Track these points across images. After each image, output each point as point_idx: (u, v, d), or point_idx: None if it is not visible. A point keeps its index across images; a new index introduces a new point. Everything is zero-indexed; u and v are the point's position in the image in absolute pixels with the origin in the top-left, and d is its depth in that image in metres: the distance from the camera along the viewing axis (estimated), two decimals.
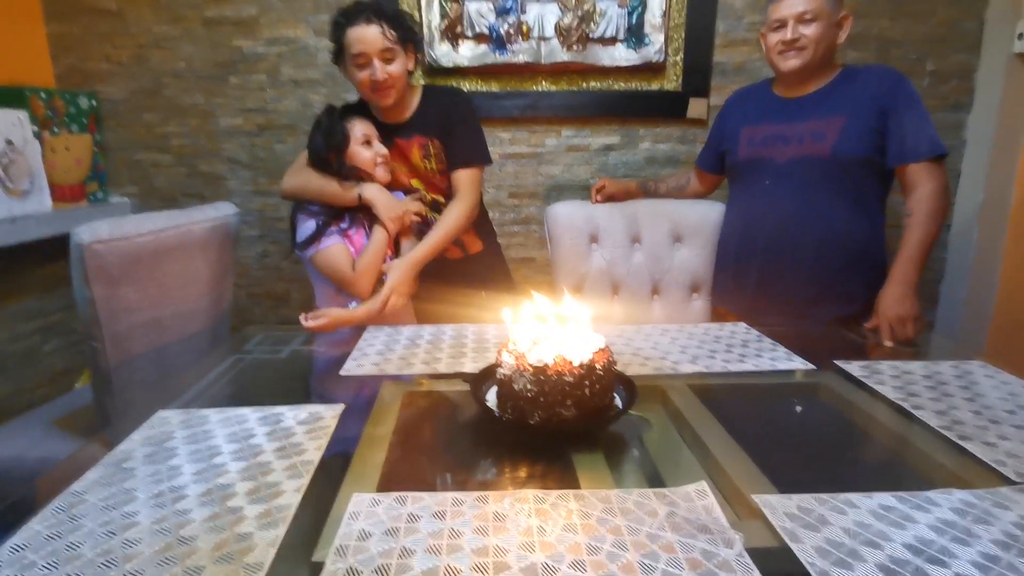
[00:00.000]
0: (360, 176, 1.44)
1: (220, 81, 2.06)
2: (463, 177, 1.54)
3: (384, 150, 1.46)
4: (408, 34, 1.45)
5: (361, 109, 1.55)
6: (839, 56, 1.46)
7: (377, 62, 1.40)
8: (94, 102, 2.07)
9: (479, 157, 1.57)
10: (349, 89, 2.05)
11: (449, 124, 1.52)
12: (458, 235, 1.56)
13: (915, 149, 1.33)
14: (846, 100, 1.40)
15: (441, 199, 1.60)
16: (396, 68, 1.43)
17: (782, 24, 1.40)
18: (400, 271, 1.41)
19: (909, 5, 1.95)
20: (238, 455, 0.77)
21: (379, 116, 1.53)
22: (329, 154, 1.41)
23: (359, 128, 1.43)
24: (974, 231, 2.02)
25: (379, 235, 1.41)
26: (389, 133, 1.51)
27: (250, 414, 0.90)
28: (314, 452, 0.78)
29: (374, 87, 1.42)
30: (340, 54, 1.45)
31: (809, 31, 1.37)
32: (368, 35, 1.38)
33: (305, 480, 0.71)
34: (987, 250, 1.99)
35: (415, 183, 1.58)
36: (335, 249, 1.38)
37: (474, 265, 1.68)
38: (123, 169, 2.15)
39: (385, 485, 0.72)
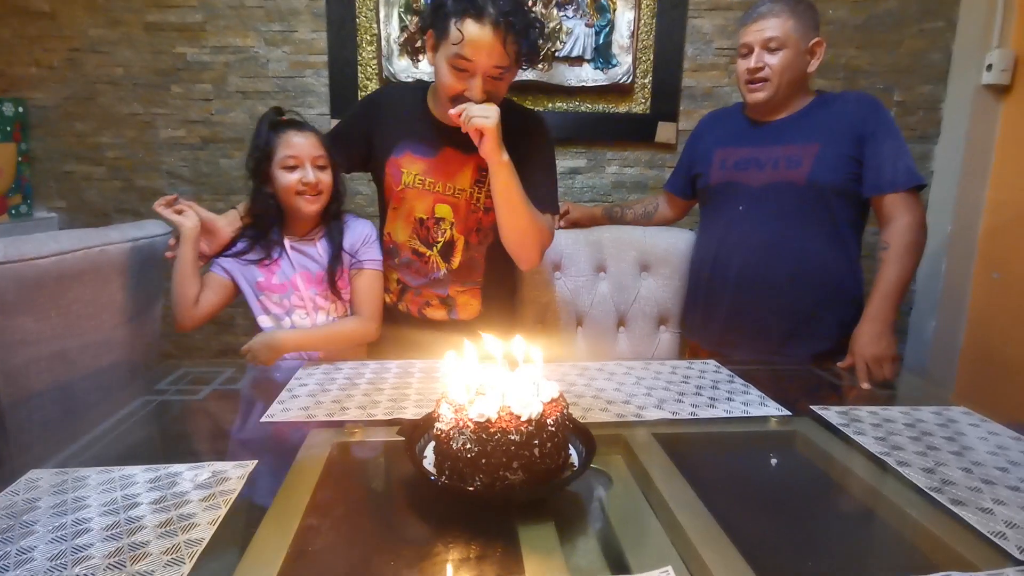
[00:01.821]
0: (276, 204, 1.28)
1: (161, 90, 1.92)
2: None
3: (320, 179, 1.26)
4: (532, 51, 1.17)
5: (413, 94, 1.33)
6: (812, 82, 1.41)
7: (483, 77, 1.13)
8: (21, 109, 1.90)
9: (552, 207, 1.32)
10: (301, 103, 1.94)
11: (525, 158, 1.23)
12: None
13: (892, 179, 1.28)
14: (821, 126, 1.34)
15: (461, 238, 1.34)
16: (501, 89, 1.18)
17: (749, 51, 1.35)
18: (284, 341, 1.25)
19: (877, 35, 1.94)
20: (109, 533, 0.63)
21: (436, 113, 1.29)
22: (255, 169, 1.26)
23: (289, 146, 1.25)
24: (942, 263, 1.99)
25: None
26: (443, 138, 1.27)
27: (140, 475, 0.76)
28: (206, 528, 0.64)
29: (462, 102, 1.15)
30: (434, 35, 1.16)
31: (774, 60, 1.32)
32: (489, 42, 1.09)
33: (185, 569, 0.58)
34: (955, 282, 1.97)
35: (442, 210, 1.31)
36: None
37: (463, 335, 1.37)
38: (51, 181, 1.97)
39: (287, 573, 0.59)
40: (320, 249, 1.33)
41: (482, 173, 1.27)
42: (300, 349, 1.29)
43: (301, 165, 1.25)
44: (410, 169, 1.31)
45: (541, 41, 1.17)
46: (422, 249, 1.35)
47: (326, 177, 1.29)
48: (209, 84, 1.93)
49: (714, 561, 0.61)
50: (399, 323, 1.41)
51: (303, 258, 1.33)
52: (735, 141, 1.46)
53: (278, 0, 1.88)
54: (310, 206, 1.28)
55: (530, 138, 1.28)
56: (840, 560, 0.65)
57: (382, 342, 1.37)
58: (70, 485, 0.73)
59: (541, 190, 1.28)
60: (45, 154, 1.96)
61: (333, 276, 1.31)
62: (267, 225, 1.30)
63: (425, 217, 1.32)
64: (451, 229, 1.33)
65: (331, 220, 1.34)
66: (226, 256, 1.30)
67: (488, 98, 1.15)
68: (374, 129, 1.34)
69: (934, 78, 1.96)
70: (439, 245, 1.33)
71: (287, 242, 1.32)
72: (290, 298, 1.31)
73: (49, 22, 1.88)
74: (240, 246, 1.30)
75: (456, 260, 1.35)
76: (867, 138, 1.30)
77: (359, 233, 1.36)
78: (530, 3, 1.87)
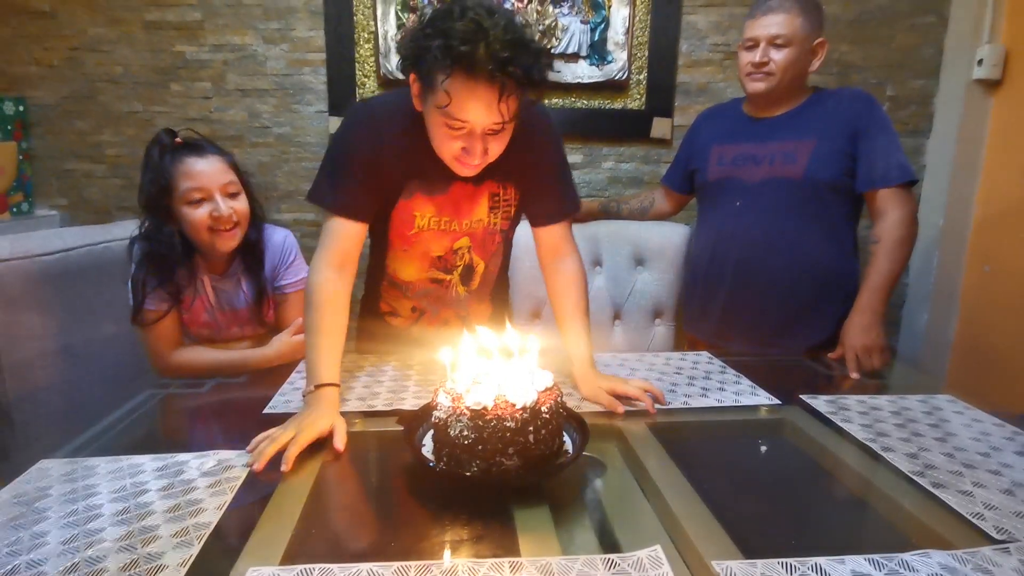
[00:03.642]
0: (182, 242, 1.11)
1: (160, 88, 1.94)
2: (563, 229, 1.16)
3: (235, 209, 1.10)
4: (539, 88, 0.95)
5: (408, 115, 1.03)
6: (807, 78, 1.43)
7: (478, 142, 0.95)
8: (21, 107, 1.92)
9: (576, 203, 1.21)
10: (300, 100, 1.96)
11: (538, 168, 1.12)
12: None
13: (885, 174, 1.30)
14: (817, 122, 1.36)
15: (481, 263, 1.23)
16: (499, 144, 0.99)
17: (755, 44, 1.36)
18: None
19: (869, 30, 1.95)
20: (120, 518, 0.66)
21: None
22: (154, 206, 1.10)
23: (191, 176, 1.08)
24: (934, 256, 2.01)
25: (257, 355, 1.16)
26: (451, 173, 1.05)
27: (147, 463, 0.78)
28: (213, 512, 0.67)
29: (461, 159, 0.99)
30: (420, 84, 0.96)
31: (779, 56, 1.34)
32: (484, 102, 0.90)
33: (194, 550, 0.60)
34: (947, 275, 1.99)
35: (461, 243, 1.18)
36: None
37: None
38: (52, 179, 1.99)
39: (292, 554, 0.61)
40: (244, 286, 1.20)
41: (495, 199, 1.15)
42: (218, 373, 1.14)
43: (209, 197, 1.09)
44: (423, 212, 1.13)
45: (548, 71, 0.96)
46: (440, 276, 1.22)
47: (241, 205, 1.13)
48: (208, 82, 1.94)
49: (701, 539, 0.64)
50: (410, 346, 1.28)
51: (226, 296, 1.20)
52: (732, 137, 1.48)
53: None
54: (228, 243, 1.12)
55: (545, 148, 1.14)
56: (823, 539, 0.68)
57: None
58: (80, 474, 0.76)
59: (567, 196, 1.19)
60: (46, 152, 1.97)
61: (260, 313, 1.21)
62: (172, 267, 1.13)
63: (444, 254, 1.19)
64: (469, 253, 1.21)
65: (251, 248, 1.19)
66: (148, 314, 1.12)
67: (491, 154, 1.00)
68: (381, 165, 1.08)
69: (926, 73, 1.98)
70: (459, 270, 1.22)
71: (206, 280, 1.18)
72: (221, 334, 1.22)
73: (49, 21, 1.90)
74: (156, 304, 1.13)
75: (476, 283, 1.25)
76: (861, 134, 1.32)
77: (276, 254, 1.23)
78: (526, 1, 1.89)
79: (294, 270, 1.23)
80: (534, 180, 1.14)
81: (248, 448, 0.82)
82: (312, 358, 0.96)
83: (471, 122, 0.93)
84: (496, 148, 0.99)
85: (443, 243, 1.16)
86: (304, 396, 0.94)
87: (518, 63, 0.88)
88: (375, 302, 1.30)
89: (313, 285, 1.01)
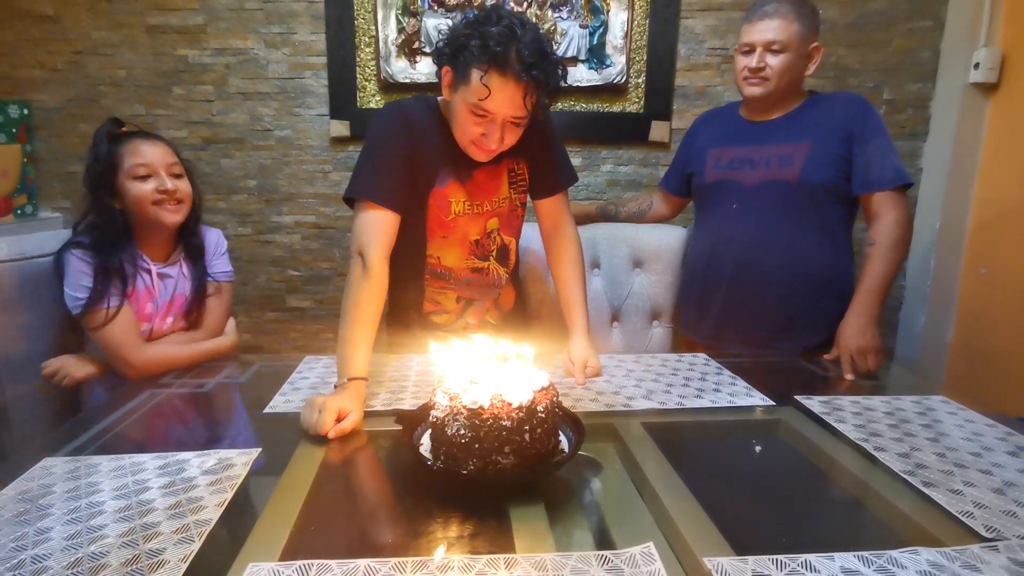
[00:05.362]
0: (124, 220, 1.18)
1: (163, 91, 1.95)
2: (562, 201, 1.29)
3: (178, 186, 1.18)
4: (554, 95, 1.12)
5: (432, 112, 1.19)
6: (803, 82, 1.44)
7: (497, 130, 1.08)
8: (25, 111, 1.94)
9: (573, 173, 1.33)
10: (300, 104, 1.98)
11: (540, 141, 1.24)
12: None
13: (880, 178, 1.31)
14: (812, 126, 1.37)
15: (513, 240, 1.33)
16: (514, 137, 1.13)
17: (751, 49, 1.37)
18: None
19: (866, 34, 1.97)
20: (122, 515, 0.67)
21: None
22: (98, 183, 1.17)
23: (138, 154, 1.16)
24: (931, 259, 2.02)
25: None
26: (469, 160, 1.19)
27: (149, 462, 0.79)
28: (214, 510, 0.68)
29: (479, 144, 1.12)
30: (453, 76, 1.09)
31: (775, 61, 1.35)
32: (510, 96, 1.03)
33: (195, 547, 0.61)
34: (944, 277, 2.00)
35: (492, 224, 1.28)
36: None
37: (507, 329, 1.31)
38: (55, 182, 2.01)
39: (291, 550, 0.62)
40: (185, 271, 1.27)
41: (512, 174, 1.27)
42: (188, 366, 1.20)
43: (155, 173, 1.17)
44: (457, 197, 1.22)
45: (563, 82, 1.10)
46: (480, 264, 1.30)
47: (184, 186, 1.21)
48: (210, 86, 1.96)
49: (694, 537, 0.65)
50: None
51: (169, 284, 1.25)
52: (729, 141, 1.49)
53: (277, 2, 1.92)
54: (172, 216, 1.19)
55: (544, 122, 1.23)
56: (814, 536, 0.69)
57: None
58: (83, 472, 0.77)
59: (564, 168, 1.31)
60: (50, 155, 1.99)
61: (201, 301, 1.26)
62: (112, 246, 1.18)
63: (480, 237, 1.28)
64: (499, 235, 1.30)
65: (190, 236, 1.27)
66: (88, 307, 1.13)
67: (506, 143, 1.13)
68: (415, 156, 1.17)
69: (923, 76, 1.99)
70: (493, 254, 1.30)
71: (153, 268, 1.23)
72: (155, 327, 1.23)
73: (53, 25, 1.91)
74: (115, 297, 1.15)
75: (512, 261, 1.36)
76: (856, 138, 1.33)
77: (212, 247, 1.31)
78: (525, 5, 1.90)
79: (224, 262, 1.34)
80: (538, 153, 1.26)
81: (311, 429, 0.88)
82: (346, 352, 1.00)
83: (496, 113, 1.06)
84: (511, 139, 1.13)
85: (478, 225, 1.26)
86: (335, 387, 0.99)
87: (541, 68, 1.02)
88: (418, 303, 1.33)
89: (368, 274, 1.05)
